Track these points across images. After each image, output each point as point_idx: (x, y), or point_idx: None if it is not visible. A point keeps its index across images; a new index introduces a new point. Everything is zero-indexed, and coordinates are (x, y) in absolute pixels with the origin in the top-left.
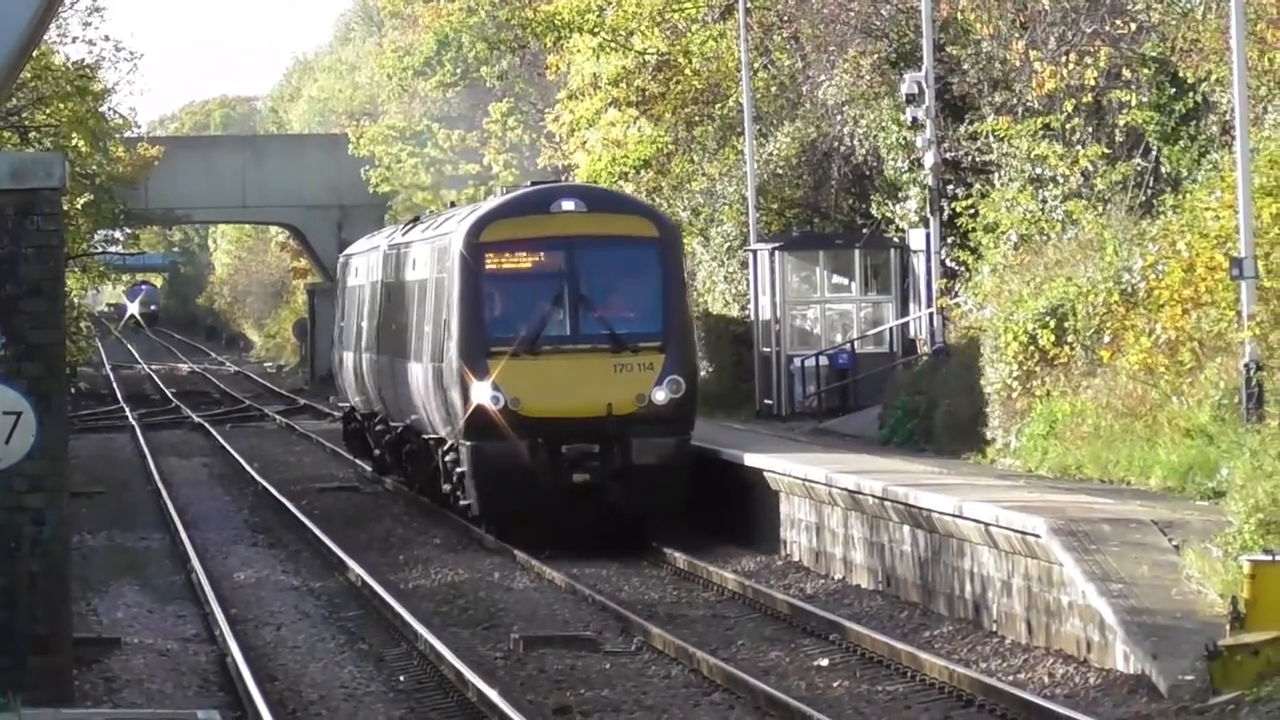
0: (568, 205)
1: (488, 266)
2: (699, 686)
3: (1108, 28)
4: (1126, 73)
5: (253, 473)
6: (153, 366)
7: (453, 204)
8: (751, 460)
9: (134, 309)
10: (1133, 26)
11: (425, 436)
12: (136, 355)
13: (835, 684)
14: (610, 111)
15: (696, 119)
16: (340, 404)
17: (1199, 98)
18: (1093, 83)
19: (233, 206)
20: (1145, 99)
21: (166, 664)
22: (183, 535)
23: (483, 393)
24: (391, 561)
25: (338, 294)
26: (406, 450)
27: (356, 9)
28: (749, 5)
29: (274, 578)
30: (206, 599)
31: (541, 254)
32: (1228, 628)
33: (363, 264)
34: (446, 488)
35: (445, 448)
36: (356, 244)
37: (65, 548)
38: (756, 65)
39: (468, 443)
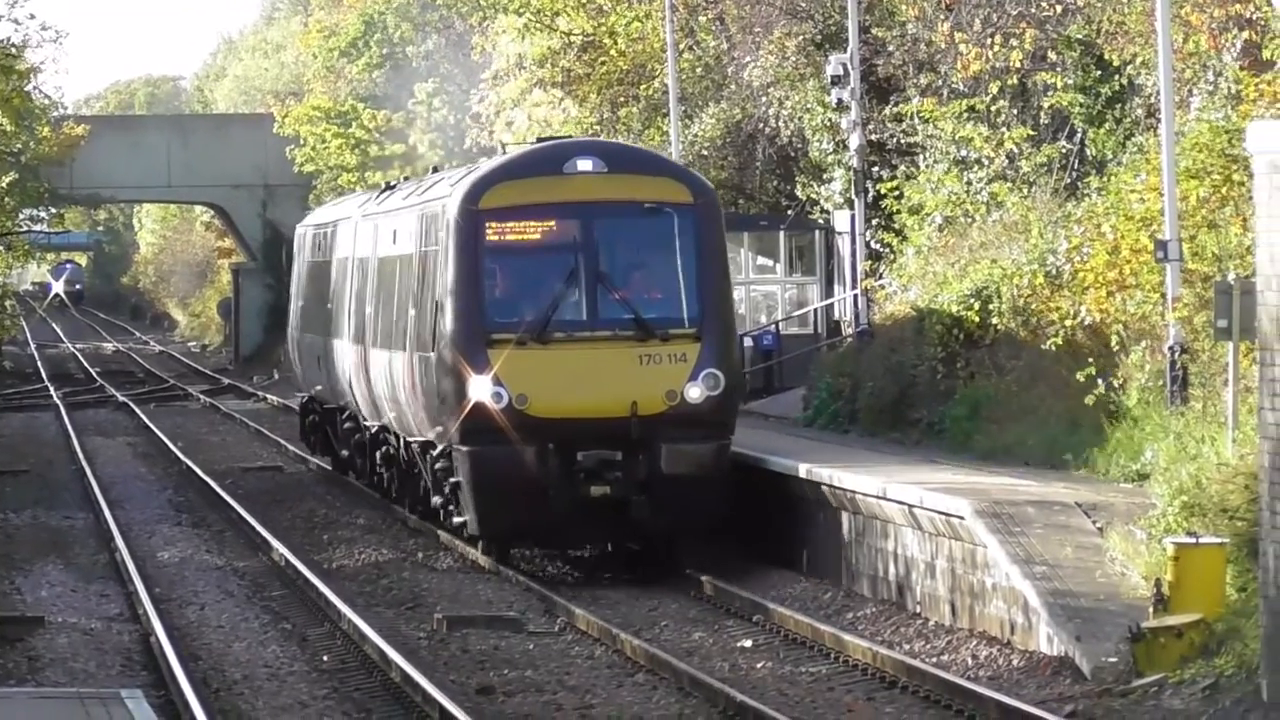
0: (584, 164)
1: (488, 238)
2: (622, 667)
3: (1033, 10)
4: (1052, 55)
5: (177, 452)
6: (77, 346)
7: (388, 185)
8: None
9: (58, 288)
10: (1058, 9)
11: (409, 440)
12: (61, 334)
13: (759, 665)
14: (535, 92)
15: (622, 100)
16: (297, 393)
17: (1124, 80)
18: (1018, 65)
19: (158, 186)
20: (1070, 81)
21: (90, 643)
22: (107, 514)
23: (482, 388)
24: (315, 541)
25: (294, 270)
26: (382, 453)
27: None
28: None
29: (198, 557)
30: (130, 578)
31: (553, 222)
32: (1151, 610)
33: (326, 236)
34: (436, 500)
35: (435, 453)
36: (316, 213)
37: None
38: (682, 46)
39: (464, 448)
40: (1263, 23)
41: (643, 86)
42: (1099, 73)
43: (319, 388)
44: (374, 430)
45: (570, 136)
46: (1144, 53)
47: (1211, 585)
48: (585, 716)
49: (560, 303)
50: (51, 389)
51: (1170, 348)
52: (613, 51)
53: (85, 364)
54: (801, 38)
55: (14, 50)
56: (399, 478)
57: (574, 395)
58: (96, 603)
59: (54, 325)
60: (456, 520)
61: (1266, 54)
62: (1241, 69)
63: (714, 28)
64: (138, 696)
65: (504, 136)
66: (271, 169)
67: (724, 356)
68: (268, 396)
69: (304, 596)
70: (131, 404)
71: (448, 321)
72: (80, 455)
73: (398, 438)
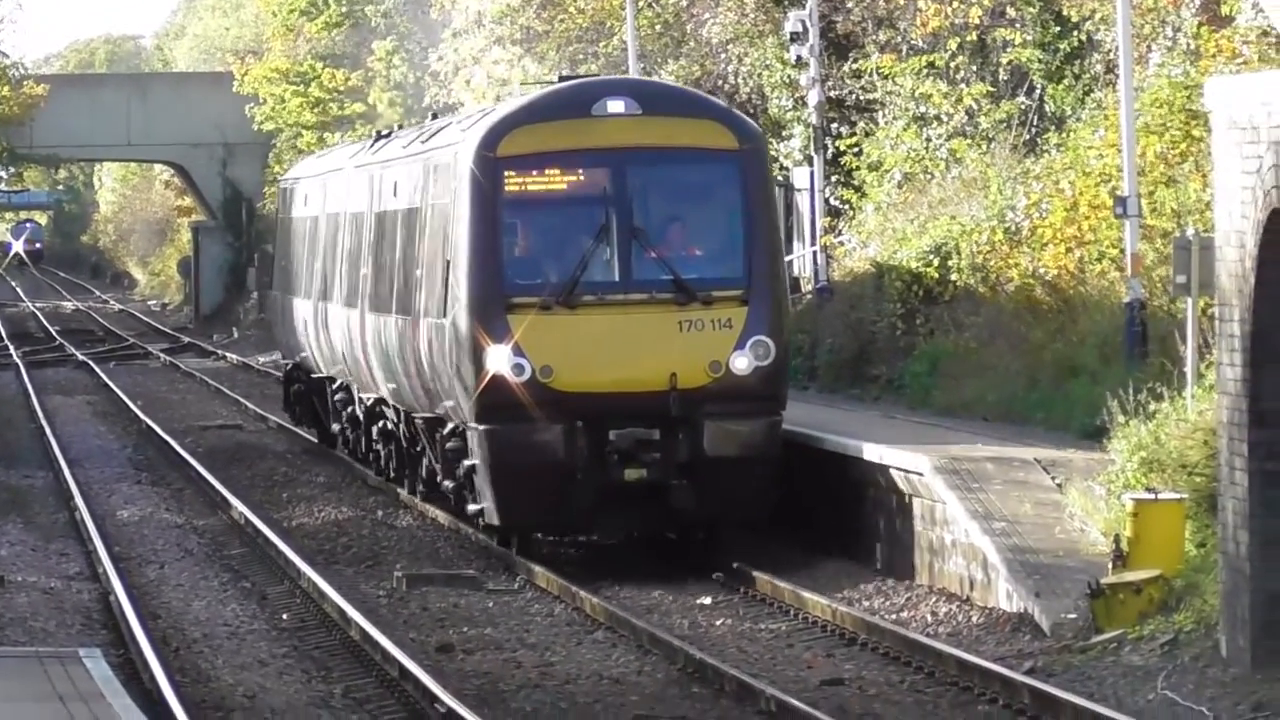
0: (615, 106)
1: (507, 189)
2: (582, 625)
3: None
4: (1011, 11)
5: (136, 411)
6: (37, 304)
7: (381, 133)
8: None
9: (18, 247)
10: None
11: (414, 416)
12: (20, 293)
13: (718, 622)
14: (495, 50)
15: (581, 57)
16: (281, 361)
17: (1083, 36)
18: (977, 21)
19: (118, 145)
20: (1030, 37)
21: (50, 602)
22: (66, 473)
23: (501, 359)
24: (275, 499)
25: (278, 227)
26: (379, 429)
27: None
28: None
29: (157, 516)
30: (90, 537)
31: (580, 172)
32: (1110, 566)
33: (316, 190)
34: (447, 485)
35: (445, 431)
36: (303, 165)
37: None
38: (641, 3)
39: (480, 427)
40: None
41: (602, 44)
42: (1058, 29)
43: (305, 355)
44: (369, 403)
45: (595, 75)
46: (1103, 8)
47: (1170, 541)
48: (545, 674)
49: (589, 262)
50: (11, 348)
51: (1129, 303)
52: (572, 8)
53: (45, 323)
54: None
55: None
56: (398, 456)
57: (605, 367)
58: (56, 561)
59: (13, 284)
60: (472, 508)
61: (1225, 9)
62: (1200, 25)
63: None
64: (96, 656)
65: (463, 95)
66: (231, 127)
67: (774, 322)
68: (227, 355)
69: (263, 555)
70: (91, 363)
71: (461, 284)
72: (40, 414)
73: (398, 412)
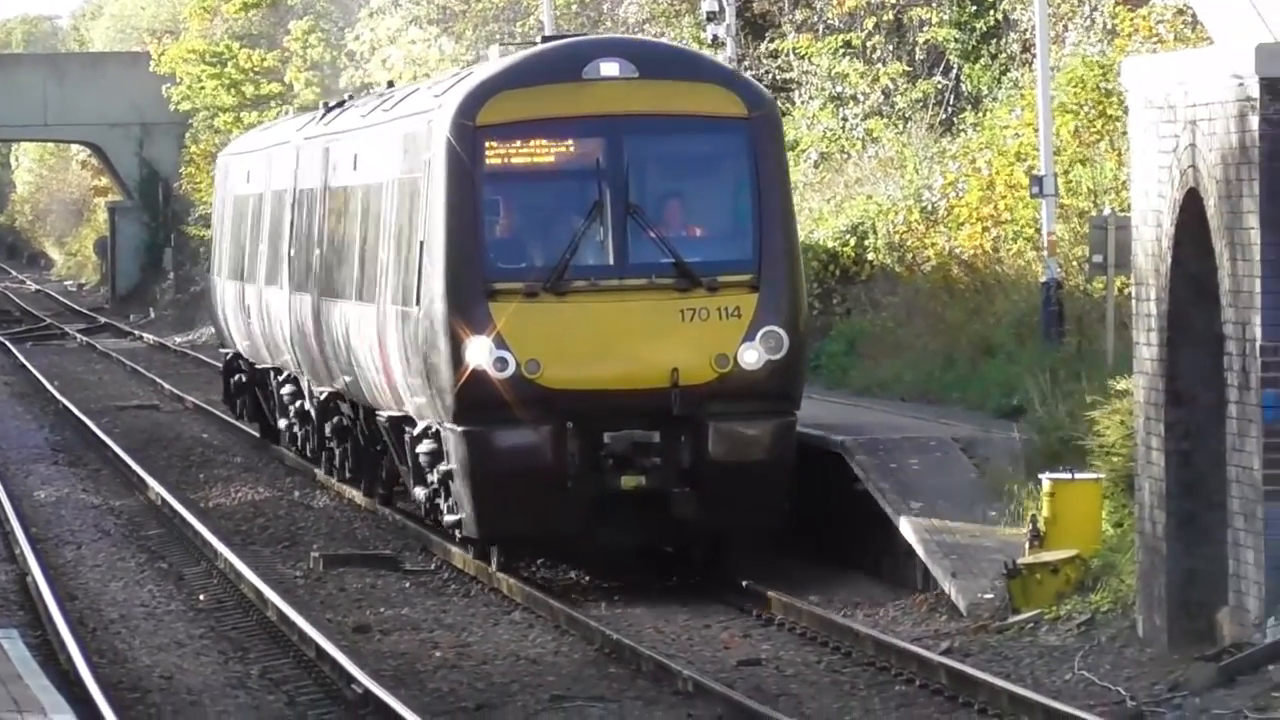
0: (609, 68)
1: (489, 161)
2: (499, 605)
3: None
4: None
5: (53, 391)
6: None
7: (331, 103)
8: None
9: None
10: None
11: (379, 414)
12: None
13: (635, 604)
14: (411, 29)
15: (498, 37)
16: (221, 350)
17: (1000, 15)
18: (894, 0)
19: (34, 125)
20: (946, 17)
21: None
22: None
23: (481, 352)
24: (192, 480)
25: (216, 206)
26: (333, 426)
27: None
28: None
29: (74, 496)
30: (6, 517)
31: (570, 142)
32: (1027, 546)
33: (260, 165)
34: (419, 493)
35: (416, 432)
36: (245, 139)
37: None
38: None
39: (458, 428)
40: None
41: (519, 23)
42: (974, 8)
43: (247, 343)
44: (323, 398)
45: (583, 34)
46: None
47: (1087, 521)
48: (462, 654)
49: (580, 243)
50: None
51: (1045, 283)
52: None
53: None
54: None
55: None
56: (354, 455)
57: (598, 361)
58: None
59: None
60: (448, 519)
61: None
62: (1117, 4)
63: None
64: (13, 636)
65: (379, 74)
66: (148, 108)
67: (788, 311)
68: (144, 335)
69: (180, 535)
70: (7, 343)
71: (436, 268)
72: None
73: (355, 408)
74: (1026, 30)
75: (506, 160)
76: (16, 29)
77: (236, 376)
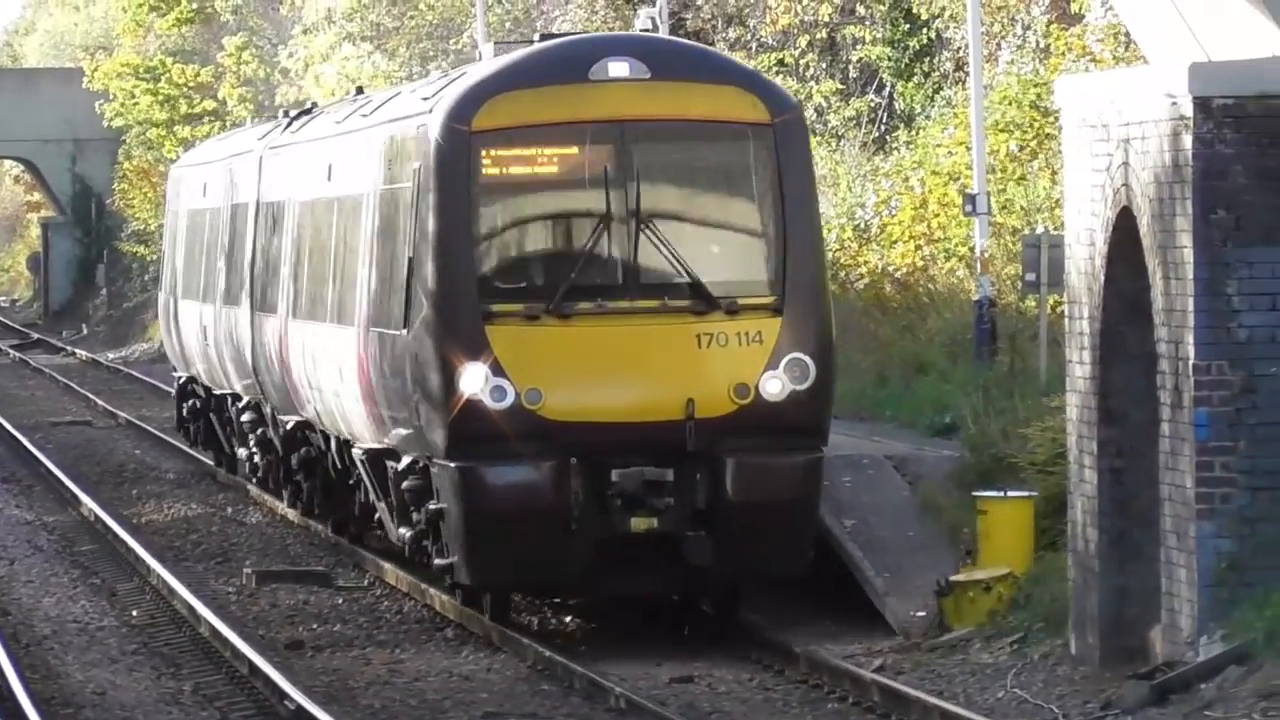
0: (618, 68)
1: (486, 171)
2: (431, 622)
3: None
4: (860, 8)
5: None
6: None
7: (293, 112)
8: None
9: None
10: None
11: (357, 446)
12: None
13: (568, 619)
14: (345, 46)
15: (431, 54)
16: (174, 373)
17: (933, 34)
18: (827, 19)
19: None
20: (879, 35)
21: None
22: None
23: (476, 381)
24: (124, 496)
25: (168, 220)
26: (300, 457)
27: None
28: None
29: (7, 512)
30: None
31: (575, 148)
32: (959, 564)
33: (217, 177)
34: (402, 533)
35: (401, 468)
36: (198, 151)
37: None
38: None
39: (449, 464)
40: None
41: (452, 40)
42: (908, 26)
43: (204, 366)
44: (289, 427)
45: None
46: (953, 6)
47: (1019, 539)
48: (394, 670)
49: (586, 261)
50: None
51: (978, 301)
52: (422, 4)
53: None
54: None
55: None
56: (324, 489)
57: (606, 391)
58: None
59: None
60: (438, 563)
61: (1075, 7)
62: (1050, 22)
63: None
64: None
65: (313, 91)
66: (81, 124)
67: (815, 336)
68: (77, 351)
69: (113, 551)
70: None
71: (426, 288)
72: None
73: (326, 439)
74: (960, 49)
75: (505, 169)
76: None
77: (190, 401)
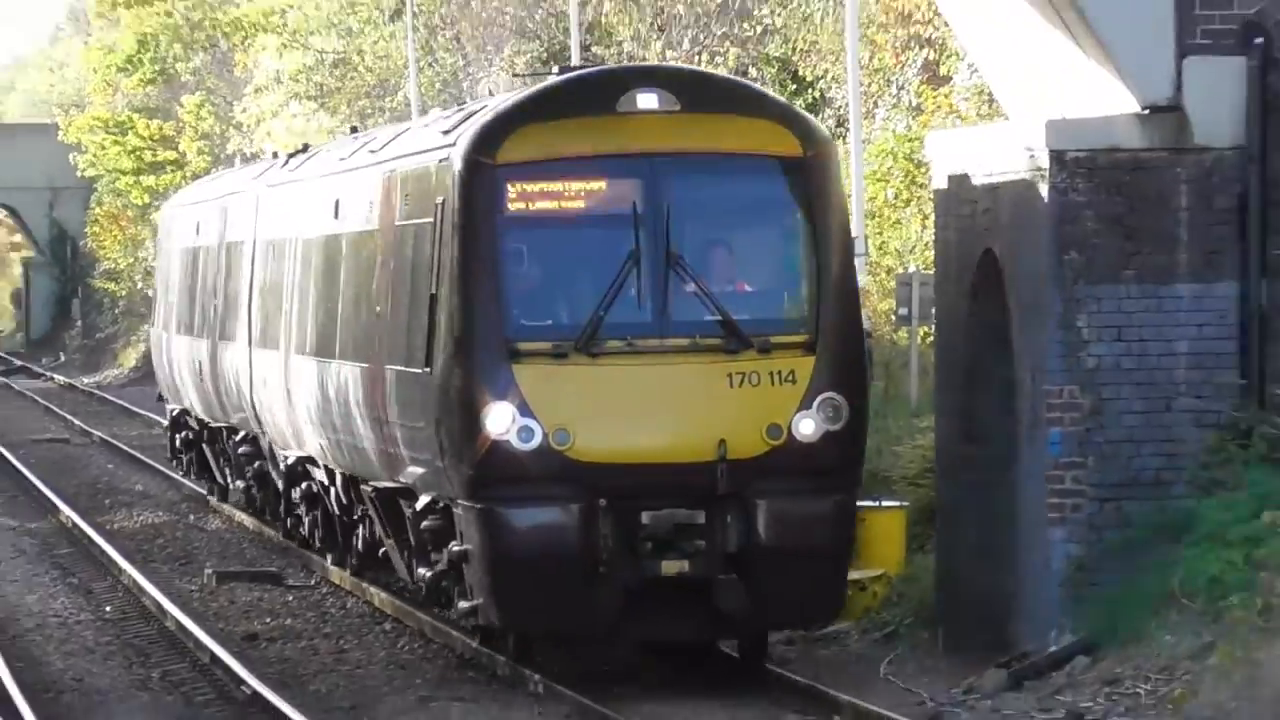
0: (648, 100)
1: (512, 205)
2: (371, 616)
3: (736, 30)
4: (753, 71)
5: None
6: None
7: (295, 150)
8: None
9: None
10: (758, 29)
11: (368, 485)
12: None
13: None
14: (292, 104)
15: (369, 111)
16: (168, 406)
17: (817, 94)
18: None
19: None
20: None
21: None
22: None
23: (503, 421)
24: (99, 505)
25: (160, 259)
26: (302, 492)
27: (65, 12)
28: (416, 8)
29: None
30: None
31: (603, 183)
32: None
33: (211, 216)
34: (422, 574)
35: (419, 507)
36: (189, 191)
37: None
38: (422, 63)
39: (474, 506)
40: (940, 41)
41: (388, 99)
42: (795, 86)
43: (197, 400)
44: (290, 462)
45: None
46: (835, 69)
47: (893, 544)
48: (339, 659)
49: (615, 298)
50: None
51: None
52: (360, 68)
53: None
54: (529, 55)
55: None
56: (324, 522)
57: (636, 431)
58: None
59: None
60: (461, 605)
61: (944, 70)
62: (922, 84)
63: (452, 46)
64: None
65: (264, 144)
66: (56, 173)
67: (849, 376)
68: (55, 376)
69: (89, 554)
70: None
71: (450, 326)
72: None
73: (330, 474)
74: (841, 107)
75: (531, 203)
76: None
77: (184, 433)
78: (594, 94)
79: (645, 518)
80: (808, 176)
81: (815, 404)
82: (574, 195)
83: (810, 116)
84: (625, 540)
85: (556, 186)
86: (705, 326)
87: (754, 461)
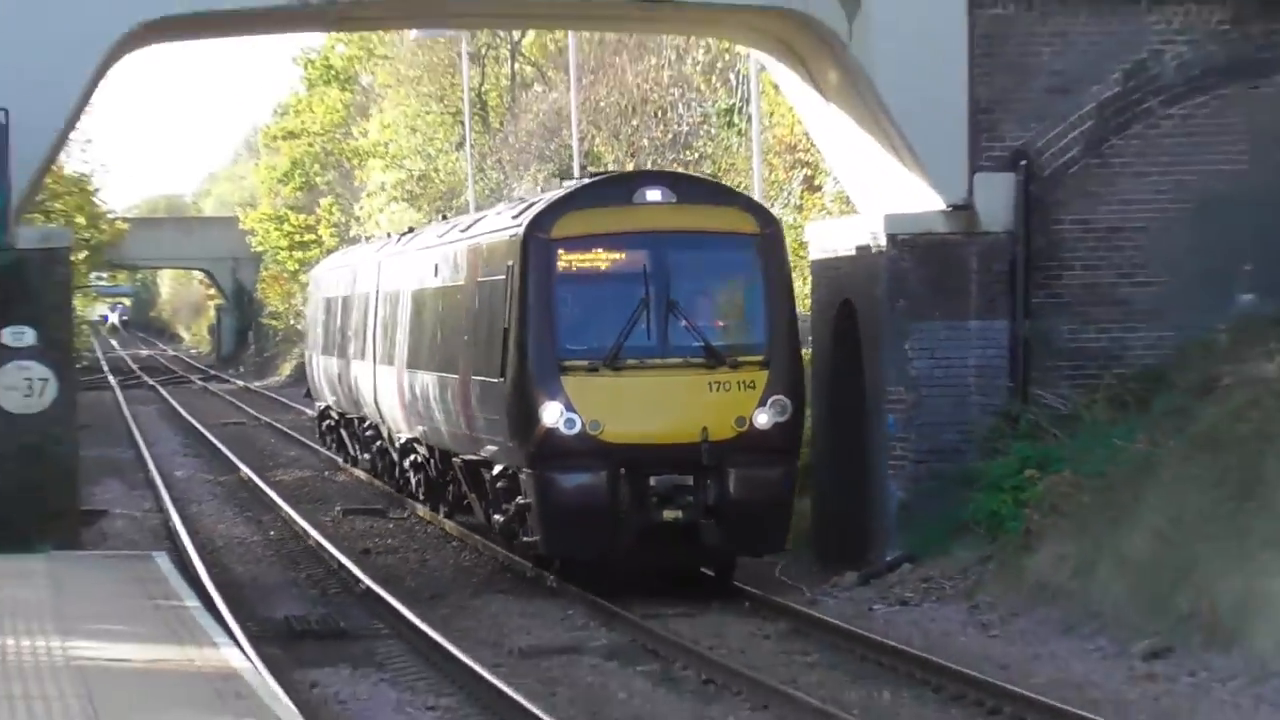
0: (654, 195)
1: (561, 265)
2: (443, 538)
3: (682, 155)
4: None
5: (184, 413)
6: (125, 352)
7: (399, 232)
8: None
9: (113, 319)
10: (695, 155)
11: (457, 458)
12: (116, 345)
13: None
14: (392, 205)
15: (441, 208)
16: (316, 403)
17: None
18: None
19: (171, 259)
20: None
21: (135, 525)
22: (143, 450)
23: (555, 414)
24: (265, 465)
25: (309, 304)
26: (411, 461)
27: (243, 142)
28: (472, 143)
29: (198, 475)
30: (158, 487)
31: (623, 252)
32: None
33: (345, 275)
34: (497, 518)
35: (495, 473)
36: (329, 260)
37: (74, 456)
38: (476, 177)
39: (534, 472)
40: (815, 163)
41: (454, 200)
42: None
43: (335, 400)
44: (402, 441)
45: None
46: (746, 181)
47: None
48: (424, 565)
49: (631, 330)
50: (110, 377)
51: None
52: (435, 180)
53: (129, 363)
54: (547, 172)
55: (84, 179)
56: (427, 483)
57: (646, 421)
58: (139, 501)
59: (112, 340)
60: (525, 539)
61: (817, 181)
62: (803, 191)
63: (495, 166)
64: (162, 555)
65: (374, 230)
66: (238, 249)
67: (791, 383)
68: (237, 381)
69: (259, 497)
70: (157, 385)
71: (519, 347)
72: (128, 416)
73: (431, 450)
74: None
75: (574, 265)
76: (160, 202)
77: (326, 421)
78: (616, 190)
79: (652, 481)
80: (764, 247)
81: (769, 403)
82: (603, 260)
83: (764, 206)
84: (638, 496)
85: (591, 254)
86: (693, 350)
87: (727, 443)
